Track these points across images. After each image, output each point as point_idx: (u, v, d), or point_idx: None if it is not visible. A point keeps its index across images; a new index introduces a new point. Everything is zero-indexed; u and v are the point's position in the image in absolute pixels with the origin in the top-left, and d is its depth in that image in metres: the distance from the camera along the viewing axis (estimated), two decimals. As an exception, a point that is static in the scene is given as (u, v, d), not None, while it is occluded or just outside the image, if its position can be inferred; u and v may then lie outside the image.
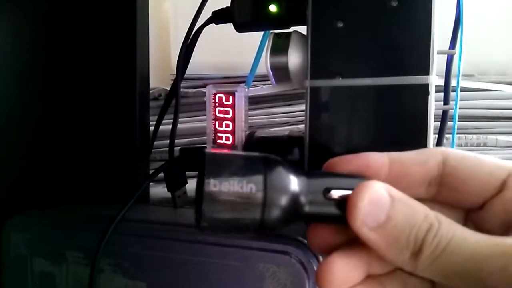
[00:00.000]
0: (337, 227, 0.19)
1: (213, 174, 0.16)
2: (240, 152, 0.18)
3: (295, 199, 0.17)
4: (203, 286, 0.29)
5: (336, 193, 0.18)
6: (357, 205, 0.17)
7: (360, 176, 0.18)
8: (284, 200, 0.17)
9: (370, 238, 0.17)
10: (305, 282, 0.26)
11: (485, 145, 0.51)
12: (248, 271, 0.27)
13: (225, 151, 0.19)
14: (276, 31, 0.31)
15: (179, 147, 0.39)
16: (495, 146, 0.51)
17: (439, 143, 0.30)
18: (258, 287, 0.27)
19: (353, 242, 0.18)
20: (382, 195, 0.17)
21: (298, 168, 0.18)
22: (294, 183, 0.17)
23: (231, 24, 0.32)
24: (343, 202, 0.17)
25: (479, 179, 0.18)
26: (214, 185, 0.16)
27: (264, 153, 0.19)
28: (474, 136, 0.52)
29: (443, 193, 0.19)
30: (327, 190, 0.18)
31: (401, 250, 0.16)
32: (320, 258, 0.27)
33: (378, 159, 0.19)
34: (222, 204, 0.16)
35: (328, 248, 0.19)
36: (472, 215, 0.19)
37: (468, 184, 0.18)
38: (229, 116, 0.33)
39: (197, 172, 0.18)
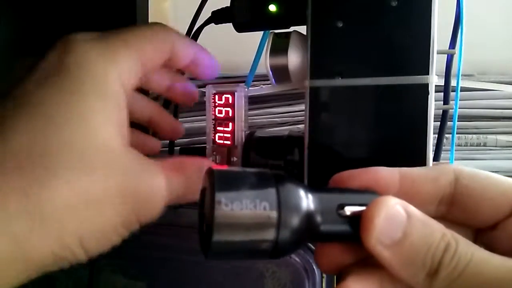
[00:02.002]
0: (346, 245, 0.18)
1: (223, 194, 0.15)
2: (249, 169, 0.17)
3: (309, 217, 0.16)
4: (203, 286, 0.29)
5: (349, 210, 0.17)
6: (373, 221, 0.16)
7: (372, 192, 0.18)
8: (298, 219, 0.16)
9: (385, 257, 0.16)
10: (304, 282, 0.26)
11: (485, 145, 0.51)
12: (248, 271, 0.28)
13: (229, 167, 0.18)
14: (276, 31, 0.31)
15: (179, 147, 0.39)
16: (495, 146, 0.51)
17: (439, 143, 0.30)
18: (258, 287, 0.27)
19: (363, 261, 0.17)
20: (398, 211, 0.16)
21: (307, 185, 0.17)
22: (307, 201, 0.16)
23: (231, 24, 0.32)
24: (356, 219, 0.16)
25: (492, 200, 0.17)
26: (225, 204, 0.15)
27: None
28: (474, 136, 0.51)
29: (454, 211, 0.18)
30: (341, 207, 0.17)
31: (416, 270, 0.16)
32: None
33: (387, 174, 0.18)
34: (234, 227, 0.15)
35: (337, 268, 0.18)
36: (483, 234, 0.18)
37: (481, 204, 0.17)
38: (229, 116, 0.33)
39: (202, 187, 0.17)
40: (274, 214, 0.15)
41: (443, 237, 0.16)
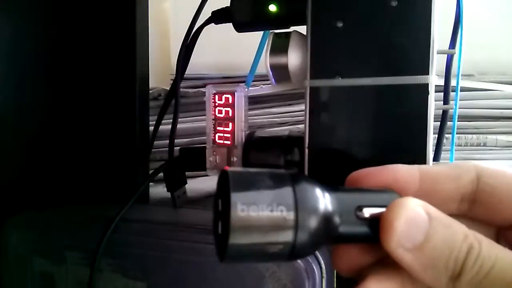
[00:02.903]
0: (365, 246, 0.17)
1: (239, 197, 0.15)
2: (264, 170, 0.16)
3: (327, 219, 0.16)
4: (203, 286, 0.29)
5: (368, 211, 0.16)
6: (393, 224, 0.15)
7: (391, 191, 0.17)
8: (316, 221, 0.15)
9: (406, 260, 0.15)
10: (305, 282, 0.26)
11: (485, 145, 0.51)
12: (248, 271, 0.27)
13: (243, 168, 0.17)
14: (276, 31, 0.31)
15: (178, 147, 0.39)
16: (495, 146, 0.51)
17: (439, 143, 0.30)
18: (258, 287, 0.27)
19: (382, 262, 0.17)
20: (419, 213, 0.15)
21: (325, 185, 0.17)
22: (325, 202, 0.16)
23: (231, 24, 0.32)
24: (375, 221, 0.16)
25: None
26: (241, 209, 0.14)
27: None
28: (474, 136, 0.52)
29: (476, 210, 0.18)
30: (359, 209, 0.16)
31: (439, 273, 0.15)
32: (321, 259, 0.27)
33: (407, 173, 0.18)
34: (251, 230, 0.15)
35: (355, 270, 0.18)
36: (505, 232, 0.18)
37: (504, 202, 0.17)
38: (229, 116, 0.33)
39: (215, 188, 0.16)
40: (291, 216, 0.15)
41: (466, 239, 0.15)
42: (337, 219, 0.16)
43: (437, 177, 0.17)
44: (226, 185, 0.15)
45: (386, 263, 0.16)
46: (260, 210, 0.15)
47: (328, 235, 0.16)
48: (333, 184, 0.18)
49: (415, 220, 0.15)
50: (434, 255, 0.15)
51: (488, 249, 0.15)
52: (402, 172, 0.18)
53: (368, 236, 0.16)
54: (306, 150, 0.27)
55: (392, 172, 0.18)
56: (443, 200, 0.17)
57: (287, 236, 0.15)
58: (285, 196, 0.15)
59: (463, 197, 0.18)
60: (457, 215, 0.17)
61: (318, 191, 0.16)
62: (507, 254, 0.15)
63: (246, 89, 0.33)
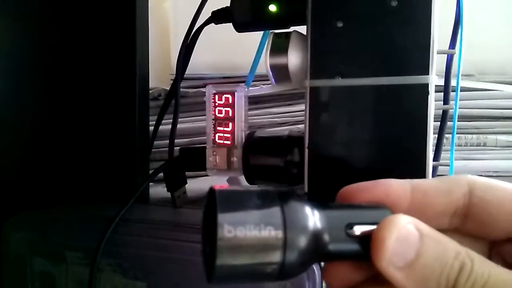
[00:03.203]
0: (356, 263, 0.17)
1: (226, 218, 0.14)
2: (251, 188, 0.16)
3: (317, 237, 0.16)
4: (203, 286, 0.29)
5: (359, 229, 0.16)
6: (384, 243, 0.15)
7: (382, 207, 0.17)
8: (305, 240, 0.15)
9: (397, 278, 0.15)
10: (305, 282, 0.26)
11: (485, 145, 0.51)
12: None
13: (231, 187, 0.16)
14: (276, 31, 0.31)
15: (179, 147, 0.39)
16: (495, 146, 0.51)
17: (439, 143, 0.30)
18: (258, 287, 0.27)
19: (374, 279, 0.17)
20: (410, 231, 0.15)
21: (314, 201, 0.16)
22: (314, 220, 0.16)
23: (231, 24, 0.32)
24: (366, 239, 0.16)
25: (508, 212, 0.17)
26: (228, 230, 0.14)
27: (273, 186, 0.17)
28: (474, 136, 0.51)
29: (468, 224, 0.17)
30: (349, 226, 0.16)
31: None
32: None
33: (398, 187, 0.17)
34: (238, 251, 0.14)
35: (347, 287, 0.17)
36: (498, 247, 0.18)
37: (496, 217, 0.17)
38: (229, 116, 0.33)
39: (203, 206, 0.16)
40: (279, 236, 0.15)
41: (458, 256, 0.15)
42: (326, 237, 0.16)
43: (429, 191, 0.17)
44: (213, 205, 0.15)
45: (378, 280, 0.16)
46: (248, 230, 0.14)
47: (318, 253, 0.16)
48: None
49: (406, 237, 0.15)
50: (425, 272, 0.15)
51: (481, 266, 0.15)
52: (393, 187, 0.17)
53: (359, 253, 0.16)
54: (306, 150, 0.27)
55: (384, 187, 0.18)
56: (435, 215, 0.17)
57: (275, 257, 0.15)
58: (273, 215, 0.15)
59: (455, 212, 0.17)
60: (449, 230, 0.17)
61: (307, 209, 0.16)
62: (500, 271, 0.15)
63: (246, 89, 0.33)
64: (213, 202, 0.15)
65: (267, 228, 0.15)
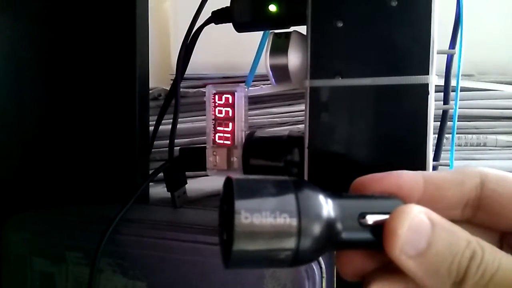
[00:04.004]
0: (368, 252, 0.18)
1: (243, 204, 0.15)
2: (268, 177, 0.17)
3: (330, 226, 0.16)
4: (203, 286, 0.29)
5: (371, 218, 0.16)
6: (396, 232, 0.15)
7: (394, 197, 0.17)
8: (319, 228, 0.16)
9: (409, 267, 0.15)
10: (304, 282, 0.26)
11: (485, 145, 0.51)
12: (248, 270, 0.28)
13: (248, 176, 0.17)
14: (276, 31, 0.31)
15: (179, 147, 0.39)
16: (495, 146, 0.51)
17: (439, 143, 0.30)
18: (258, 287, 0.27)
19: (386, 267, 0.17)
20: (422, 220, 0.16)
21: (328, 191, 0.17)
22: (327, 208, 0.16)
23: (231, 24, 0.32)
24: (378, 228, 0.16)
25: None
26: (245, 217, 0.15)
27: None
28: (474, 136, 0.51)
29: (480, 215, 0.18)
30: (362, 215, 0.16)
31: (442, 279, 0.15)
32: (321, 259, 0.27)
33: (411, 179, 0.18)
34: (254, 237, 0.15)
35: (360, 275, 0.18)
36: (509, 238, 0.18)
37: (508, 208, 0.17)
38: (229, 116, 0.33)
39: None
40: (294, 223, 0.15)
41: (469, 245, 0.15)
42: (339, 226, 0.16)
43: (441, 183, 0.18)
44: (230, 192, 0.15)
45: (390, 268, 0.17)
46: (264, 217, 0.15)
47: (331, 241, 0.16)
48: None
49: (418, 227, 0.15)
50: (437, 261, 0.15)
51: (491, 254, 0.15)
52: (406, 178, 0.18)
53: (371, 242, 0.17)
54: (306, 150, 0.27)
55: (396, 179, 0.18)
56: (447, 206, 0.17)
57: (290, 243, 0.15)
58: (288, 203, 0.15)
59: (467, 203, 0.18)
60: (461, 221, 0.18)
61: (321, 198, 0.16)
62: (510, 259, 0.15)
63: (246, 89, 0.33)
64: (230, 190, 0.16)
65: (282, 215, 0.15)
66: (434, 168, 0.27)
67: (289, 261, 0.16)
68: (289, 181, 0.16)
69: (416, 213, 0.16)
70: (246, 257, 0.15)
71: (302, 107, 0.29)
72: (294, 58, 0.29)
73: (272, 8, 0.30)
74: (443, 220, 0.16)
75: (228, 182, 0.16)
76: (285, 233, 0.15)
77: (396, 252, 0.15)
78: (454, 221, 0.16)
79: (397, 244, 0.15)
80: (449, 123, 0.30)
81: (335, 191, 0.17)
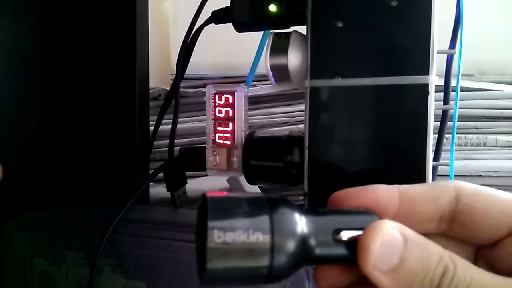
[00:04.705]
0: (344, 266, 0.18)
1: (216, 223, 0.15)
2: (242, 194, 0.17)
3: (304, 242, 0.16)
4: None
5: (346, 234, 0.17)
6: (369, 248, 0.16)
7: (369, 213, 0.18)
8: (292, 245, 0.16)
9: (383, 282, 0.16)
10: (305, 282, 0.26)
11: (485, 145, 0.51)
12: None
13: (224, 193, 0.17)
14: (276, 31, 0.31)
15: (178, 147, 0.39)
16: (495, 146, 0.51)
17: (439, 143, 0.30)
18: (258, 287, 0.27)
19: (362, 281, 0.17)
20: (395, 236, 0.16)
21: (303, 208, 0.17)
22: (301, 225, 0.16)
23: (231, 24, 0.32)
24: (353, 243, 0.16)
25: (492, 218, 0.17)
26: (218, 236, 0.15)
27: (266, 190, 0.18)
28: (474, 136, 0.51)
29: (455, 229, 0.18)
30: (337, 232, 0.17)
31: None
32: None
33: (387, 193, 0.18)
34: (227, 255, 0.15)
35: None
36: (484, 251, 0.18)
37: (481, 222, 0.17)
38: (229, 116, 0.33)
39: (196, 213, 0.17)
40: (267, 240, 0.15)
41: (441, 260, 0.15)
42: (313, 242, 0.17)
43: (416, 198, 0.18)
44: (205, 210, 0.16)
45: (366, 282, 0.17)
46: (237, 235, 0.15)
47: (305, 257, 0.17)
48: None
49: (391, 243, 0.16)
50: (409, 277, 0.15)
51: (463, 270, 0.15)
52: (382, 193, 0.18)
53: (346, 257, 0.17)
54: (306, 150, 0.27)
55: (373, 193, 0.18)
56: (422, 220, 0.18)
57: (263, 260, 0.15)
58: (261, 221, 0.16)
59: (442, 217, 0.18)
60: (436, 234, 0.18)
61: (295, 215, 0.16)
62: (482, 275, 0.15)
63: (246, 89, 0.33)
64: (204, 208, 0.16)
65: (255, 233, 0.15)
66: (434, 168, 0.27)
67: (263, 277, 0.16)
68: (264, 199, 0.17)
69: (389, 229, 0.16)
70: (220, 274, 0.15)
71: (302, 107, 0.29)
72: (294, 58, 0.29)
73: (272, 8, 0.30)
74: (416, 235, 0.16)
75: (203, 199, 0.16)
76: (259, 250, 0.15)
77: (369, 268, 0.16)
78: (429, 234, 0.17)
79: (370, 260, 0.16)
80: (449, 123, 0.30)
81: (313, 207, 0.18)
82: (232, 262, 0.15)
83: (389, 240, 0.16)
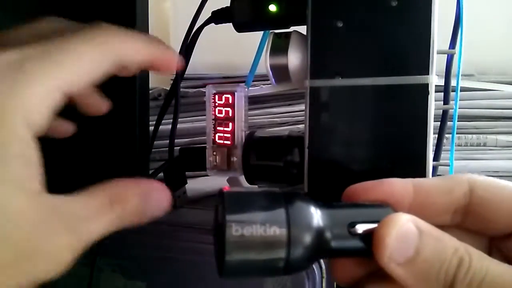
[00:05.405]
0: (360, 259, 0.18)
1: (234, 218, 0.16)
2: (259, 189, 0.18)
3: (319, 235, 0.17)
4: (203, 286, 0.29)
5: (361, 227, 0.17)
6: (385, 241, 0.16)
7: (384, 205, 0.18)
8: (309, 238, 0.16)
9: (399, 274, 0.16)
10: (304, 282, 0.26)
11: (485, 145, 0.51)
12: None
13: (240, 189, 0.18)
14: (276, 31, 0.31)
15: (178, 147, 0.39)
16: (495, 146, 0.51)
17: (439, 143, 0.30)
18: (258, 287, 0.27)
19: (378, 273, 0.17)
20: (410, 228, 0.16)
21: (319, 201, 0.17)
22: (317, 218, 0.17)
23: (231, 24, 0.32)
24: (368, 236, 0.17)
25: (506, 210, 0.17)
26: (236, 230, 0.16)
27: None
28: (474, 136, 0.51)
29: (469, 221, 0.18)
30: (352, 225, 0.17)
31: (431, 286, 0.16)
32: (321, 260, 0.27)
33: (402, 187, 0.18)
34: (245, 248, 0.16)
35: (354, 281, 0.18)
36: (498, 242, 0.18)
37: (495, 214, 0.17)
38: (229, 116, 0.33)
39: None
40: (283, 234, 0.16)
41: (456, 252, 0.16)
42: (329, 235, 0.17)
43: (431, 191, 0.18)
44: (222, 205, 0.16)
45: (382, 274, 0.17)
46: (254, 229, 0.16)
47: (321, 250, 0.17)
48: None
49: (406, 235, 0.16)
50: (425, 268, 0.16)
51: (479, 261, 0.15)
52: (397, 186, 0.18)
53: (361, 250, 0.17)
54: (306, 150, 0.27)
55: (388, 187, 0.18)
56: (436, 213, 0.18)
57: (280, 253, 0.16)
58: (278, 215, 0.16)
59: (456, 209, 0.18)
60: (451, 226, 0.18)
61: (311, 208, 0.17)
62: (497, 266, 0.15)
63: (246, 89, 0.33)
64: (222, 203, 0.16)
65: (272, 227, 0.16)
66: (434, 168, 0.27)
67: (281, 269, 0.16)
68: (280, 194, 0.17)
69: (404, 222, 0.16)
70: (238, 267, 0.16)
71: (302, 107, 0.29)
72: (294, 58, 0.29)
73: (272, 8, 0.30)
74: (430, 227, 0.16)
75: (221, 195, 0.17)
76: (276, 243, 0.16)
77: (385, 260, 0.16)
78: (443, 226, 0.17)
79: (385, 252, 0.16)
80: (449, 123, 0.30)
81: (329, 200, 0.18)
82: (250, 255, 0.16)
83: (405, 232, 0.16)
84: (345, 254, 0.18)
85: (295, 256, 0.16)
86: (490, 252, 0.17)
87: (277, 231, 0.16)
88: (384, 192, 0.18)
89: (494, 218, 0.17)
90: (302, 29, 0.29)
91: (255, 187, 0.18)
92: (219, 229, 0.16)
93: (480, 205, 0.17)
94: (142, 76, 0.39)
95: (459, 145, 0.51)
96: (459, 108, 0.30)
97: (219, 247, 0.17)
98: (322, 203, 0.17)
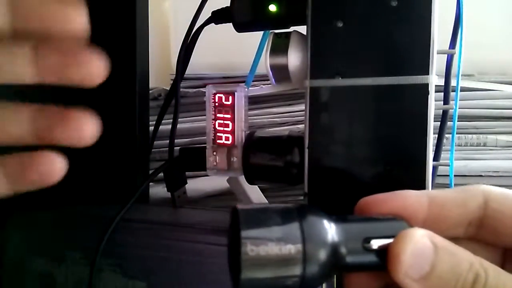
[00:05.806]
0: (374, 272, 0.18)
1: (249, 235, 0.16)
2: (272, 205, 0.18)
3: (334, 251, 0.17)
4: (203, 286, 0.29)
5: (376, 243, 0.17)
6: (400, 257, 0.16)
7: (399, 219, 0.18)
8: (324, 254, 0.16)
9: None
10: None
11: (485, 145, 0.51)
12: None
13: (254, 205, 0.18)
14: (276, 31, 0.31)
15: (179, 147, 0.39)
16: (495, 146, 0.51)
17: (439, 143, 0.30)
18: None
19: (392, 285, 0.17)
20: (425, 244, 0.16)
21: (333, 216, 0.17)
22: (332, 234, 0.17)
23: (231, 24, 0.32)
24: (383, 251, 0.17)
25: None
26: (251, 249, 0.16)
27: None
28: (474, 136, 0.51)
29: (483, 233, 0.18)
30: (367, 240, 0.17)
31: None
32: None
33: (416, 199, 0.18)
34: (261, 267, 0.16)
35: None
36: (511, 253, 0.18)
37: (510, 227, 0.17)
38: (229, 116, 0.33)
39: (229, 222, 0.18)
40: (299, 251, 0.16)
41: (471, 268, 0.16)
42: (344, 251, 0.17)
43: (445, 203, 0.18)
44: (237, 223, 0.16)
45: (398, 286, 0.17)
46: (269, 248, 0.16)
47: (336, 266, 0.17)
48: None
49: (421, 251, 0.16)
50: (440, 284, 0.16)
51: (495, 277, 0.15)
52: (411, 199, 0.18)
53: (376, 265, 0.17)
54: (306, 150, 0.27)
55: (401, 199, 0.18)
56: (450, 225, 0.18)
57: (296, 270, 0.16)
58: (293, 232, 0.16)
59: (471, 222, 0.18)
60: (464, 238, 0.18)
61: (325, 224, 0.17)
62: None
63: (246, 89, 0.33)
64: (236, 220, 0.16)
65: (287, 245, 0.16)
66: (434, 168, 0.27)
67: (296, 286, 0.16)
68: (293, 209, 0.17)
69: (419, 237, 0.16)
70: (253, 284, 0.16)
71: (302, 107, 0.29)
72: (294, 58, 0.29)
73: (272, 8, 0.30)
74: (446, 242, 0.16)
75: (235, 212, 0.17)
76: (291, 261, 0.16)
77: (401, 276, 0.16)
78: (457, 238, 0.17)
79: (401, 268, 0.16)
80: (449, 123, 0.30)
81: (340, 213, 0.18)
82: (265, 273, 0.16)
83: (420, 248, 0.16)
84: (359, 269, 0.18)
85: (311, 273, 0.16)
86: (503, 264, 0.17)
87: (292, 249, 0.16)
88: (397, 205, 0.18)
89: (508, 231, 0.17)
90: (302, 29, 0.29)
91: (272, 203, 0.18)
92: (234, 244, 0.17)
93: (495, 218, 0.17)
94: (142, 76, 0.39)
95: (459, 145, 0.51)
96: (459, 108, 0.30)
97: (234, 262, 0.17)
98: (335, 217, 0.17)
